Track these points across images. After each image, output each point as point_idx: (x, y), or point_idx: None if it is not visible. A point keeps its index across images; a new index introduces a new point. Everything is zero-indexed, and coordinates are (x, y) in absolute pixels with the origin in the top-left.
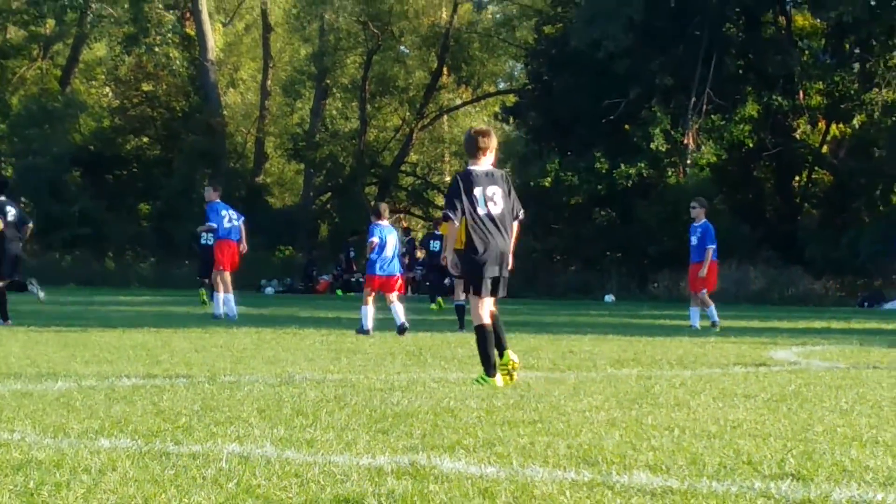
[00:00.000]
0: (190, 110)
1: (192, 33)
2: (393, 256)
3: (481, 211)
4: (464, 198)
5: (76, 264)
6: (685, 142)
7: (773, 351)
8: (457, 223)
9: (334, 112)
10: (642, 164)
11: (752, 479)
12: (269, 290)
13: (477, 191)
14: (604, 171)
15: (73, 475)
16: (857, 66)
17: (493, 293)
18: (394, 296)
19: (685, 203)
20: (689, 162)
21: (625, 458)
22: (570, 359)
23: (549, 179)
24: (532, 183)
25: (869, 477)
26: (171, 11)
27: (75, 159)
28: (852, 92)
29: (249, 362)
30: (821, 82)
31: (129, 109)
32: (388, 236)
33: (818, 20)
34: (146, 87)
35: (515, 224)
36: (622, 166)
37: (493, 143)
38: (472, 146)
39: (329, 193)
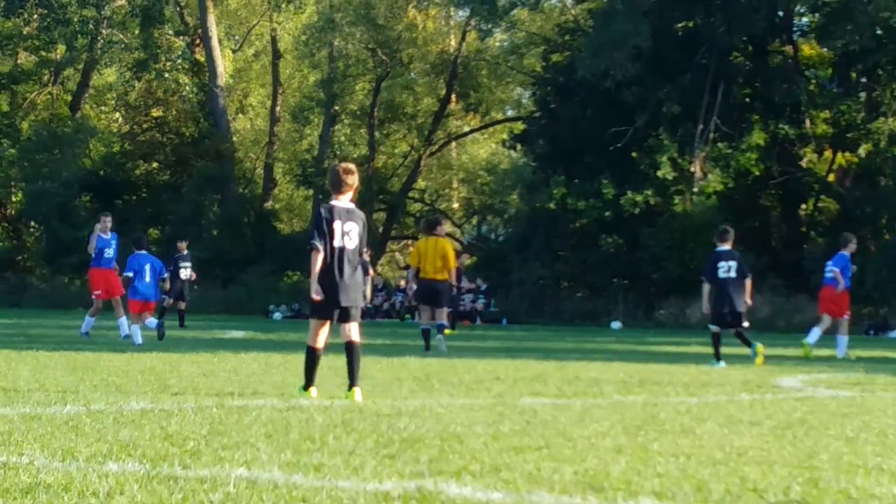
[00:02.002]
0: (199, 136)
1: (202, 59)
2: (151, 282)
3: (336, 244)
4: (326, 231)
5: (85, 289)
6: (692, 170)
7: (779, 378)
8: (321, 254)
9: (343, 138)
10: (649, 192)
11: None
12: (277, 315)
13: (336, 225)
14: (610, 198)
15: (81, 499)
16: (863, 95)
17: (343, 319)
18: (146, 315)
19: (691, 230)
20: (695, 190)
21: (631, 485)
22: (577, 385)
23: (552, 204)
24: (539, 209)
25: None
26: (181, 37)
27: (85, 184)
28: (859, 121)
29: (257, 387)
30: (827, 111)
31: (139, 135)
32: (146, 265)
33: (825, 49)
34: (156, 112)
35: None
36: (629, 193)
37: (356, 180)
38: (337, 183)
39: None
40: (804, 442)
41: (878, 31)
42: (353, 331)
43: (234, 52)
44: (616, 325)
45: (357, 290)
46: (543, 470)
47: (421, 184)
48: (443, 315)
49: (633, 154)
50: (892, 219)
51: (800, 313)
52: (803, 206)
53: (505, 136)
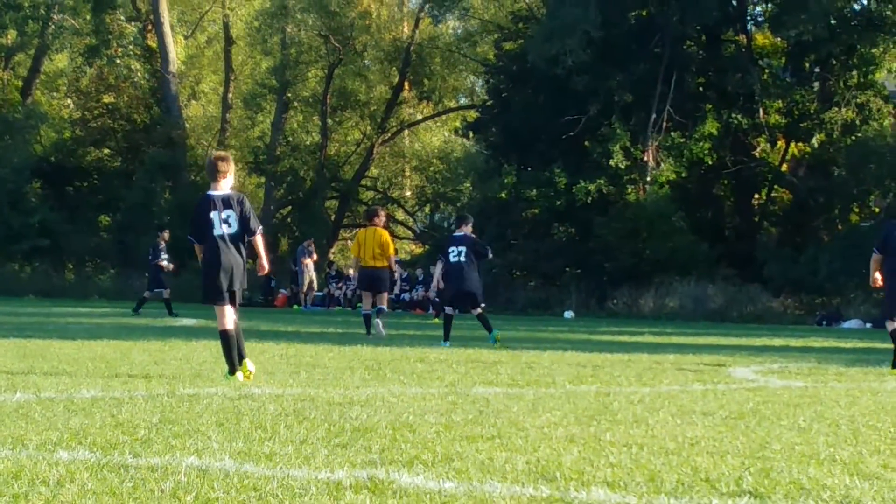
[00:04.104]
0: (151, 122)
1: (154, 45)
2: None
3: (216, 232)
4: (202, 223)
5: (35, 276)
6: (645, 159)
7: (732, 369)
8: (198, 246)
9: (295, 125)
10: (602, 181)
11: (710, 497)
12: None
13: (213, 214)
14: (563, 187)
15: (31, 487)
16: (816, 85)
17: (231, 303)
18: None
19: (644, 220)
20: (648, 179)
21: (583, 475)
22: (529, 374)
23: (504, 193)
24: (491, 198)
25: (826, 495)
26: (133, 23)
27: (36, 171)
28: (812, 111)
29: (209, 375)
30: (780, 101)
31: (90, 121)
32: None
33: (778, 39)
34: (107, 98)
35: (259, 238)
36: (581, 182)
37: (231, 167)
38: (212, 172)
39: (289, 207)
40: (756, 432)
41: (832, 21)
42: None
43: (186, 38)
44: (569, 314)
45: (239, 274)
46: (496, 459)
47: (373, 171)
48: (383, 300)
49: (586, 143)
50: (844, 209)
51: (752, 303)
52: (756, 195)
53: (458, 124)
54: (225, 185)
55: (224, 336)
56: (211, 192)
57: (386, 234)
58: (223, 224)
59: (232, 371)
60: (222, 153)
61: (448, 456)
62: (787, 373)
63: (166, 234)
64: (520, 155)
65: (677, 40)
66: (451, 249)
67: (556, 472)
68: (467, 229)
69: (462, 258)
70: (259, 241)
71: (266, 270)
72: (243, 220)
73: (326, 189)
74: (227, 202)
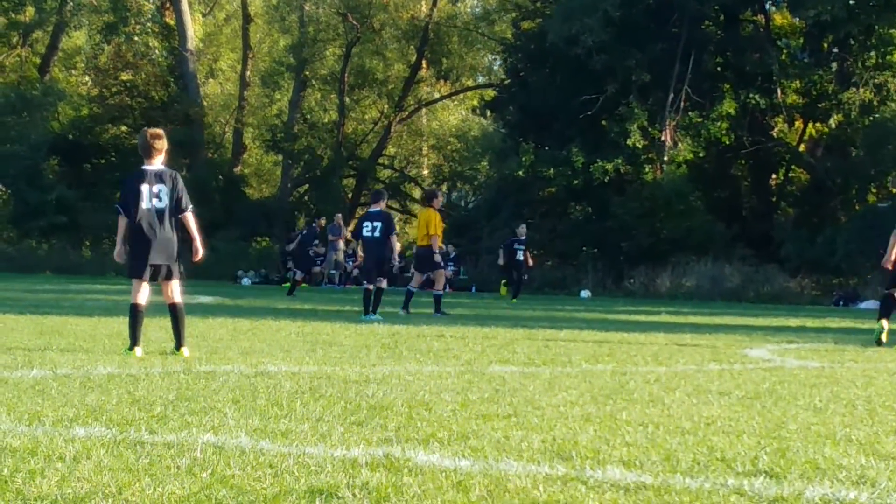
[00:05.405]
0: (169, 100)
1: (172, 23)
2: None
3: (145, 206)
4: (132, 195)
5: (53, 252)
6: (662, 138)
7: (748, 348)
8: (124, 218)
9: (313, 103)
10: (619, 160)
11: (726, 476)
12: (245, 280)
13: (144, 187)
14: (580, 166)
15: (47, 463)
16: (834, 65)
17: (156, 278)
18: None
19: (661, 199)
20: (665, 159)
21: (599, 453)
22: (546, 353)
23: (521, 171)
24: (509, 176)
25: (842, 475)
26: (151, 1)
27: (53, 147)
28: (830, 91)
29: (225, 353)
30: (798, 81)
31: (108, 98)
32: None
33: (797, 19)
34: (125, 76)
35: (189, 216)
36: (599, 161)
37: (165, 145)
38: (146, 148)
39: (307, 185)
40: (772, 412)
41: (850, 2)
42: (174, 291)
43: (204, 15)
44: (585, 293)
45: (170, 247)
46: (511, 438)
47: (391, 150)
48: (439, 280)
49: (604, 122)
50: (862, 189)
51: (769, 283)
52: (774, 176)
53: (475, 102)
54: (157, 162)
55: (133, 310)
56: (144, 167)
57: (429, 215)
58: (153, 198)
59: (131, 346)
60: (157, 130)
61: (464, 434)
62: (803, 353)
63: (322, 221)
64: (537, 134)
65: (695, 20)
66: (365, 224)
67: (572, 450)
68: (382, 205)
69: (377, 233)
70: (190, 218)
71: (200, 255)
72: (174, 197)
73: (343, 167)
74: (160, 177)
